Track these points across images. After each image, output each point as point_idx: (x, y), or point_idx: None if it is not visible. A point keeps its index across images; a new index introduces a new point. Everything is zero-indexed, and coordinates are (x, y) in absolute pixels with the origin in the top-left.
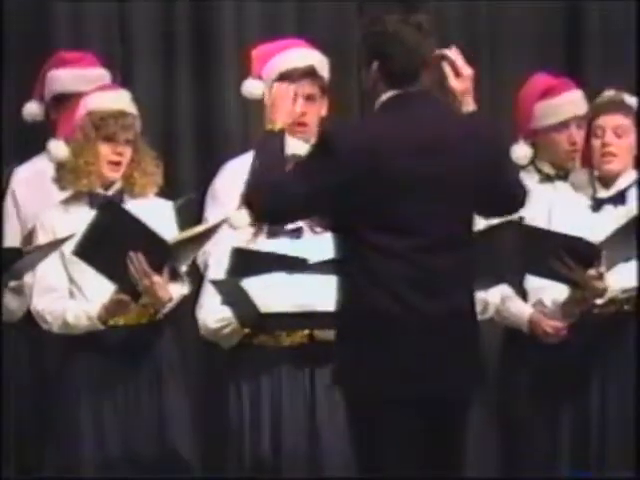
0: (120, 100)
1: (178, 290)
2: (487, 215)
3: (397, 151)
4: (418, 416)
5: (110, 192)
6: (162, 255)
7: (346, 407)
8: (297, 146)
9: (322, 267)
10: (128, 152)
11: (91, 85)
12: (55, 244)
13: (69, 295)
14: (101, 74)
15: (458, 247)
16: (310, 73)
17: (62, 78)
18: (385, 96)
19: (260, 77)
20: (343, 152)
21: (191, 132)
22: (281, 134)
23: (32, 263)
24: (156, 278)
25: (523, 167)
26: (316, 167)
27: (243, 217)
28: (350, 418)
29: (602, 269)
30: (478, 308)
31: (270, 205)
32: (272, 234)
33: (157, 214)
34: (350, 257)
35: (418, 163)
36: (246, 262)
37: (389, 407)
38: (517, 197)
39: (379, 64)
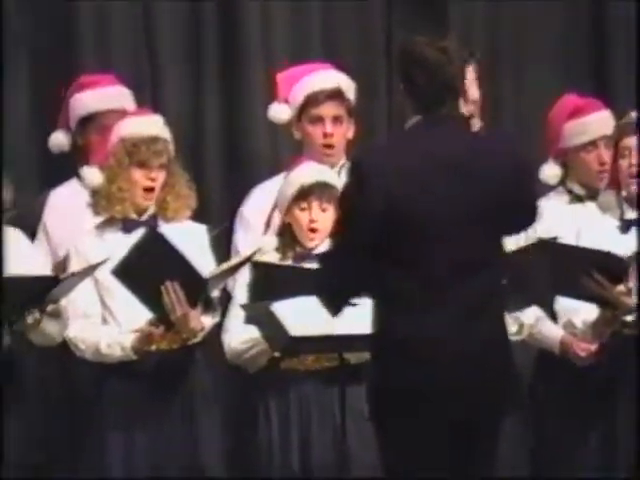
0: (152, 125)
1: (209, 320)
2: (507, 232)
3: (421, 175)
4: (448, 441)
5: (144, 217)
6: (197, 289)
7: (376, 434)
8: (323, 172)
9: None
10: (161, 177)
11: (114, 103)
12: (89, 270)
13: (102, 321)
14: (122, 92)
15: (486, 270)
16: (336, 95)
17: (85, 100)
18: (411, 121)
19: (286, 101)
20: (371, 177)
21: (219, 154)
22: None
23: (66, 289)
24: (189, 310)
25: (553, 187)
26: (355, 204)
27: (270, 242)
28: (381, 443)
29: (630, 284)
30: (513, 329)
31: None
32: (299, 258)
33: (191, 239)
34: (379, 283)
35: (442, 188)
36: (266, 276)
37: (418, 431)
38: (535, 209)
39: (404, 87)
